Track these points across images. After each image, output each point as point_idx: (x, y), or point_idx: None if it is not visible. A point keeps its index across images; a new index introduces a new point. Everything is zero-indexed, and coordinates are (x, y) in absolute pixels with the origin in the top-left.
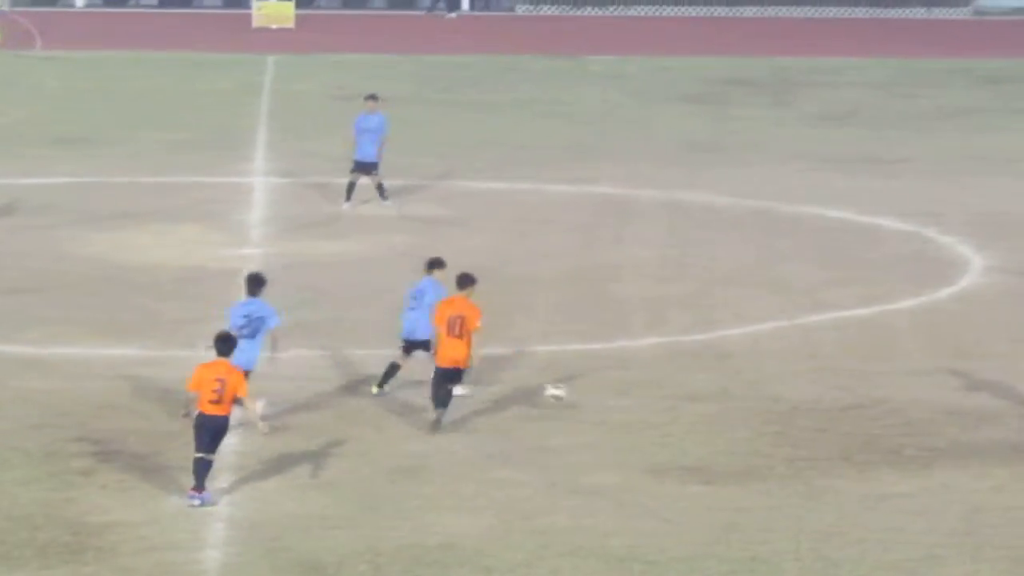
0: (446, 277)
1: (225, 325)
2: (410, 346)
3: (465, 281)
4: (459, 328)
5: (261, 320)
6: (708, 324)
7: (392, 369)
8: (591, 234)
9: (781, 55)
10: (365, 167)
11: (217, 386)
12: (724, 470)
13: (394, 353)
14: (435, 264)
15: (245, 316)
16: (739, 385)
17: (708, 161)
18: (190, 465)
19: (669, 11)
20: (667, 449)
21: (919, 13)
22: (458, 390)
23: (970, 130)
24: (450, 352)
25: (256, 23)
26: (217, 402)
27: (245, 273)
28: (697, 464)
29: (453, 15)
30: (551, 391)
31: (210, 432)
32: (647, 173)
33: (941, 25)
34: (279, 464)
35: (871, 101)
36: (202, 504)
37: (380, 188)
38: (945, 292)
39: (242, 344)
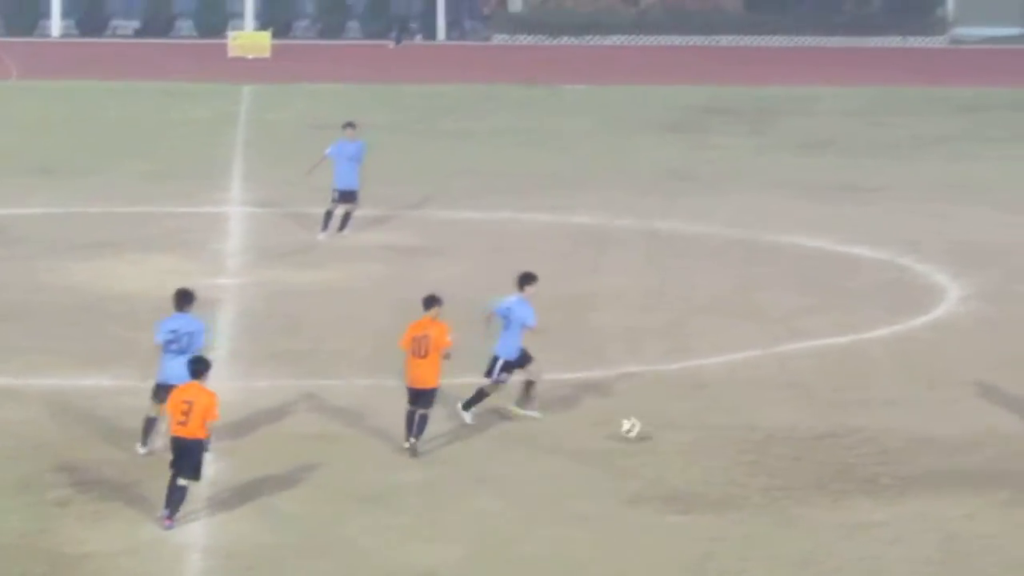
0: (536, 292)
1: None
2: (507, 366)
3: (430, 302)
4: (424, 349)
5: (190, 336)
6: (685, 353)
7: (479, 395)
8: (568, 263)
9: (759, 84)
10: (346, 195)
11: (184, 407)
12: (701, 499)
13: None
14: (526, 280)
15: (172, 331)
16: (715, 414)
17: (686, 189)
18: (166, 495)
19: (646, 40)
20: (644, 478)
21: (896, 42)
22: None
23: (947, 158)
24: (417, 373)
25: (232, 53)
26: (183, 423)
27: (218, 302)
28: (674, 493)
29: (394, 45)
30: (629, 428)
31: (177, 454)
32: (625, 202)
33: (918, 53)
34: (255, 493)
35: (848, 129)
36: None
37: (347, 217)
38: (921, 321)
39: (174, 360)
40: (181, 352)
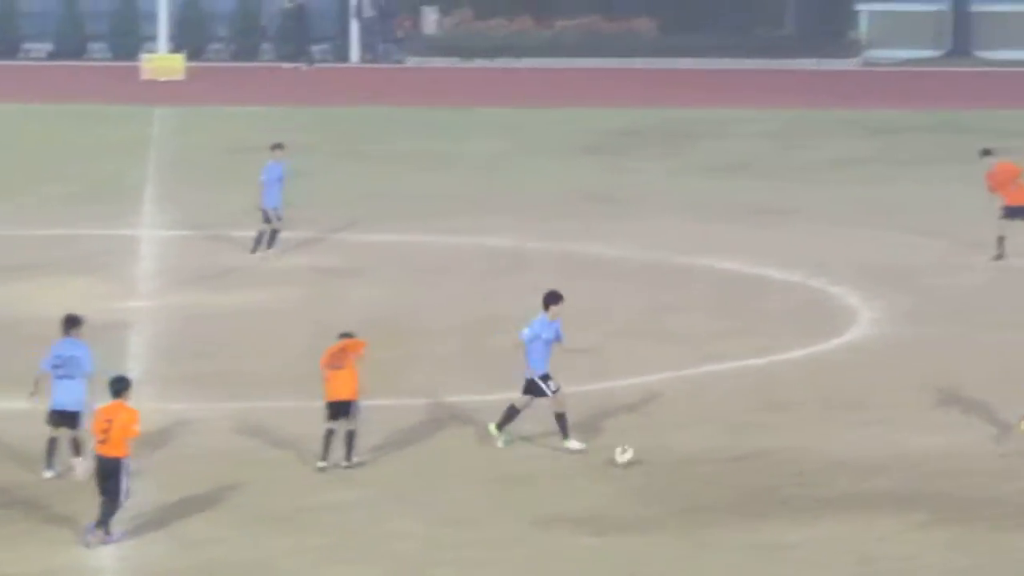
0: (562, 311)
1: (110, 372)
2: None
3: (346, 335)
4: (342, 360)
5: (75, 360)
6: (600, 375)
7: (511, 412)
8: (483, 286)
9: (673, 106)
10: (268, 215)
11: (105, 426)
12: (615, 521)
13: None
14: (551, 299)
15: (58, 356)
16: (631, 436)
17: (600, 212)
18: (82, 517)
19: (560, 63)
20: (558, 500)
21: (809, 64)
22: (573, 444)
23: (860, 181)
24: (335, 384)
25: (145, 75)
26: (103, 442)
27: (134, 324)
28: (588, 515)
29: (306, 67)
30: (621, 457)
31: (100, 474)
32: (539, 225)
33: (831, 76)
34: (170, 516)
35: (762, 152)
36: (115, 540)
37: (275, 235)
38: (834, 343)
39: (62, 385)
40: (67, 377)
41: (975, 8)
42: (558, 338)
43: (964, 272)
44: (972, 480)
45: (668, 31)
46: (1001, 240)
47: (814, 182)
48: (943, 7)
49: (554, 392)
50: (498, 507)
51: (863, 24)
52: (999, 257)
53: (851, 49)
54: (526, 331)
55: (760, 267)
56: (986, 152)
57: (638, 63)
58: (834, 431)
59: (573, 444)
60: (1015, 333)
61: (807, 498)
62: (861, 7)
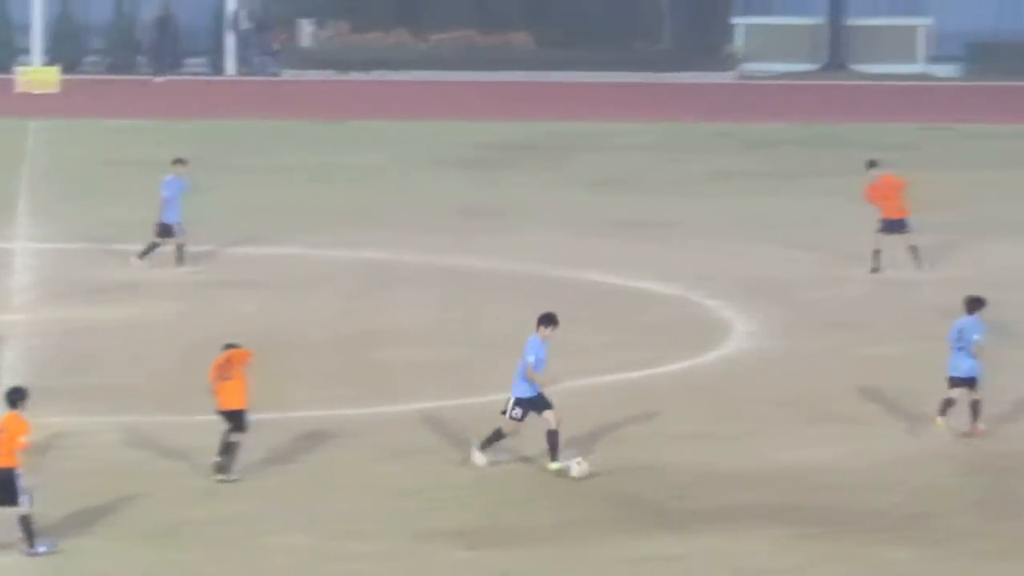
0: (552, 335)
1: None
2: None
3: (231, 346)
4: (228, 371)
5: None
6: (476, 389)
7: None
8: (360, 299)
9: (550, 119)
10: (172, 229)
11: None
12: (494, 534)
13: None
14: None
15: None
16: (505, 448)
17: (478, 226)
18: None
19: (436, 76)
20: (433, 514)
21: (686, 78)
22: (574, 470)
23: (737, 194)
24: (225, 396)
25: (19, 88)
26: None
27: (8, 338)
28: (464, 528)
29: (161, 79)
30: (575, 469)
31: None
32: (416, 238)
33: (708, 89)
34: (53, 530)
35: (640, 165)
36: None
37: (181, 249)
38: (711, 356)
39: None
40: None
41: (850, 22)
42: (528, 359)
43: (840, 285)
44: (847, 493)
45: (545, 45)
46: (877, 254)
47: (692, 195)
48: (819, 21)
49: (517, 418)
50: (380, 520)
51: (739, 38)
52: (875, 270)
53: (727, 63)
54: (532, 358)
55: (638, 280)
56: (872, 164)
57: (515, 77)
58: (711, 444)
59: (556, 464)
60: (890, 347)
61: (684, 511)
62: (737, 21)
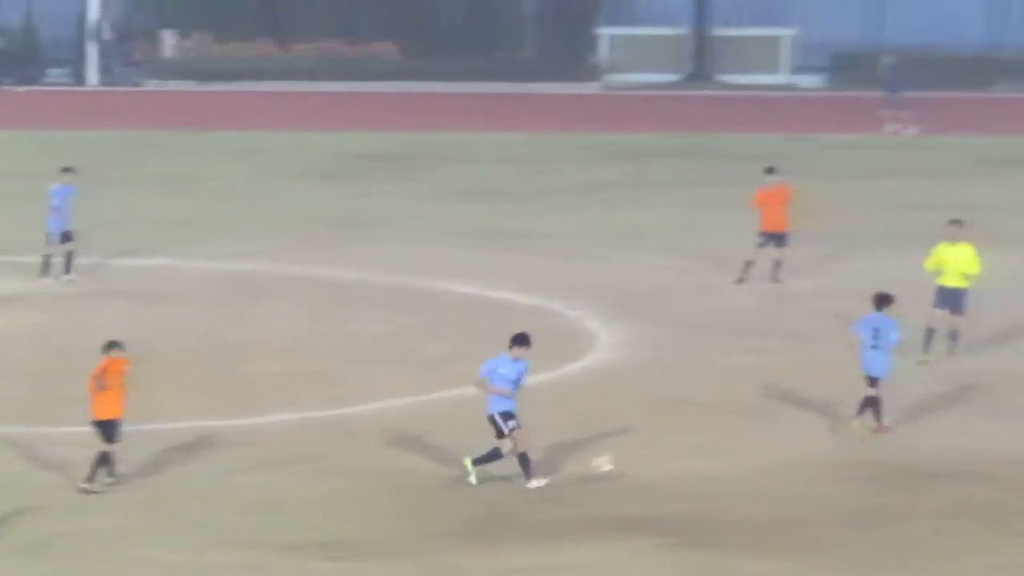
0: (525, 354)
1: None
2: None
3: (109, 346)
4: (105, 380)
5: None
6: (340, 400)
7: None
8: (227, 311)
9: (415, 130)
10: (67, 236)
11: None
12: (354, 546)
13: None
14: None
15: None
16: (370, 460)
17: (341, 237)
18: None
19: (300, 86)
20: (297, 525)
21: (552, 88)
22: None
23: (602, 205)
24: (99, 405)
25: None
26: None
27: None
28: (327, 540)
29: (21, 89)
30: (603, 466)
31: None
32: (284, 250)
33: (573, 100)
34: None
35: (505, 176)
36: None
37: (70, 257)
38: (574, 366)
39: None
40: None
41: (715, 32)
42: (519, 379)
43: (705, 295)
44: (713, 503)
45: (409, 55)
46: (749, 264)
47: (556, 206)
48: (683, 31)
49: (510, 432)
50: (245, 532)
51: (604, 48)
52: (741, 280)
53: (592, 73)
54: (485, 367)
55: (502, 291)
56: (769, 170)
57: (380, 87)
58: (574, 455)
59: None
60: (756, 356)
61: (549, 522)
62: (602, 31)
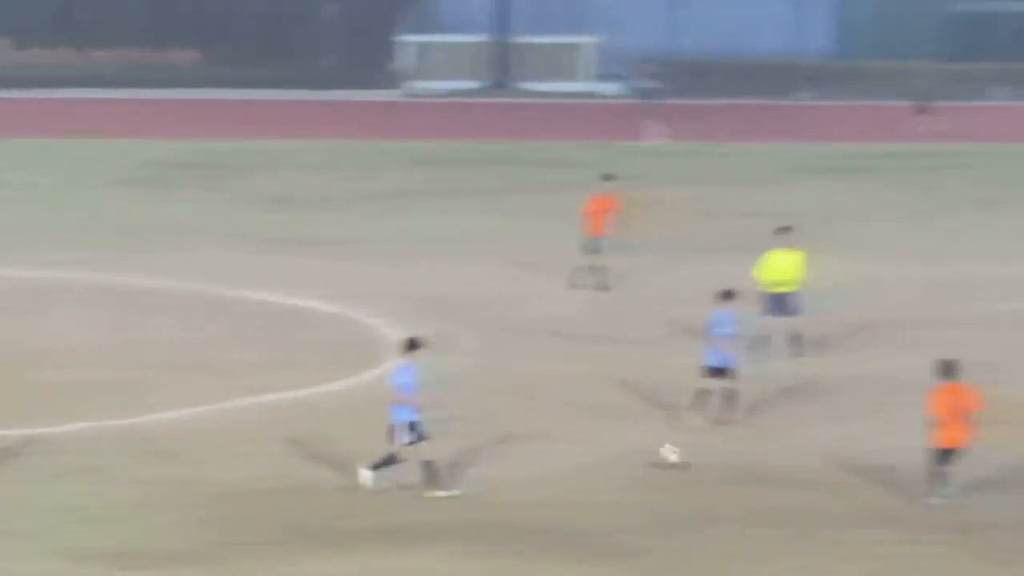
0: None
1: None
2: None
3: None
4: None
5: None
6: (139, 408)
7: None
8: (27, 319)
9: (218, 137)
10: None
11: None
12: (152, 555)
13: None
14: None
15: None
16: (168, 468)
17: (143, 244)
18: None
19: (100, 94)
20: (93, 534)
21: (354, 95)
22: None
23: (403, 212)
24: None
25: None
26: None
27: None
28: (122, 549)
29: None
30: (669, 455)
31: None
32: (84, 257)
33: (375, 107)
34: None
35: (308, 183)
36: None
37: None
38: (373, 373)
39: None
40: None
41: (516, 40)
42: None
43: (512, 302)
44: (519, 510)
45: (212, 63)
46: (578, 270)
47: (360, 213)
48: (485, 39)
49: (410, 442)
50: (40, 541)
51: (406, 55)
52: (574, 286)
53: (393, 80)
54: (395, 382)
55: (305, 299)
56: (607, 177)
57: (183, 94)
58: (371, 462)
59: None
60: (558, 363)
61: (345, 530)
62: (403, 39)
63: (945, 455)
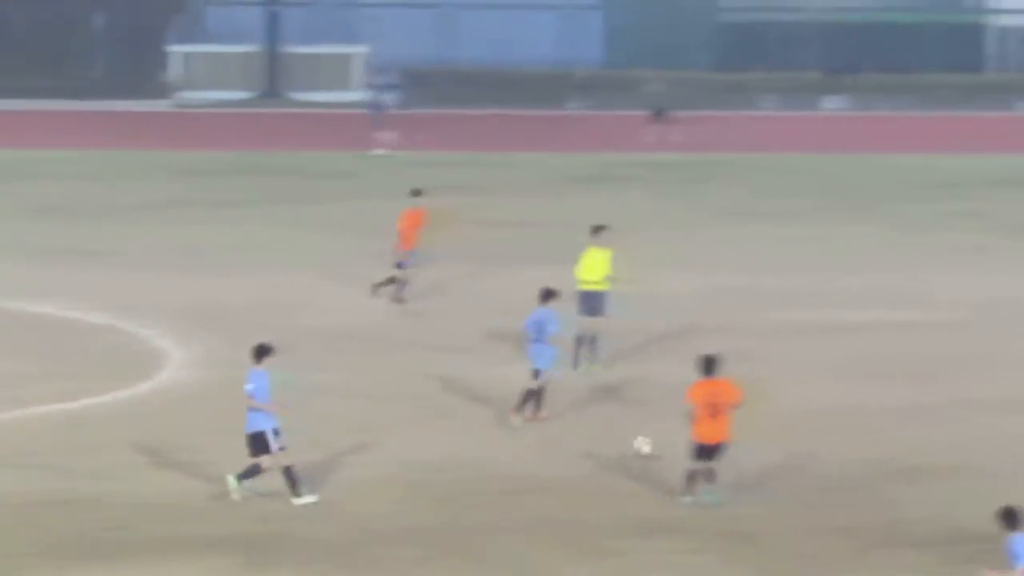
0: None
1: None
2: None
3: None
4: None
5: None
6: None
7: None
8: None
9: None
10: None
11: None
12: None
13: None
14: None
15: None
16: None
17: None
18: None
19: None
20: None
21: (122, 105)
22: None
23: (173, 222)
24: None
25: None
26: None
27: None
28: None
29: None
30: (643, 447)
31: None
32: None
33: (144, 118)
34: None
35: (77, 193)
36: None
37: None
38: (146, 386)
39: None
40: None
41: (287, 50)
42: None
43: (289, 312)
44: (293, 522)
45: None
46: (383, 284)
47: (128, 224)
48: (256, 49)
49: (281, 448)
50: None
51: (175, 66)
52: (376, 292)
53: (163, 90)
54: (250, 386)
55: (72, 310)
56: (416, 192)
57: None
58: (145, 475)
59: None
60: (338, 373)
61: (119, 542)
62: (173, 48)
63: (703, 450)
